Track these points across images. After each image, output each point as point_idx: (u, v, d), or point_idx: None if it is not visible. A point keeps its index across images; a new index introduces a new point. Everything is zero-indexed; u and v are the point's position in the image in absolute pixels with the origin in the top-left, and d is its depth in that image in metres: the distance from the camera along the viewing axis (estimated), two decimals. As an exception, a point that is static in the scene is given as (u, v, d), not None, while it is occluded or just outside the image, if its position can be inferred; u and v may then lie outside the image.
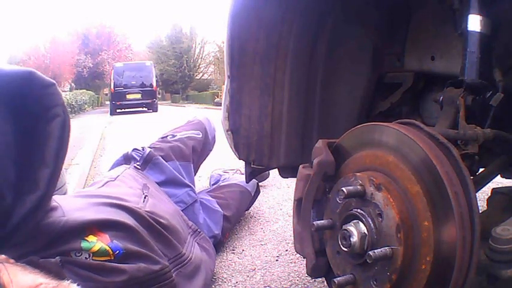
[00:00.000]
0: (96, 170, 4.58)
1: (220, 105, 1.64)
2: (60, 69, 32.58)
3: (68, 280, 0.99)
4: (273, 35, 1.47)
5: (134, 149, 2.04)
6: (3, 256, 0.93)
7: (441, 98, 1.22)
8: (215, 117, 1.66)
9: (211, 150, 2.49)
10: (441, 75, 1.43)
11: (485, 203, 1.27)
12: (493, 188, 1.27)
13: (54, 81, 1.15)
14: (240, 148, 1.57)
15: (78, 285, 0.98)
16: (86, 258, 1.17)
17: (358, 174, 1.01)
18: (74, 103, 19.92)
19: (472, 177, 1.22)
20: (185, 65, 37.57)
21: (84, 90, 27.18)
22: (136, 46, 45.26)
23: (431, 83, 1.54)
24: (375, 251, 0.91)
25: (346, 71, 1.59)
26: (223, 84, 1.67)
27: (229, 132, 1.55)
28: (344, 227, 1.00)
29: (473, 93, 1.17)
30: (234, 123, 1.53)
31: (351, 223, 0.99)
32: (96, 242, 1.20)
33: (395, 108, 1.63)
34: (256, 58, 1.48)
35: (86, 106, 24.65)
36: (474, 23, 1.15)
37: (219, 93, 23.22)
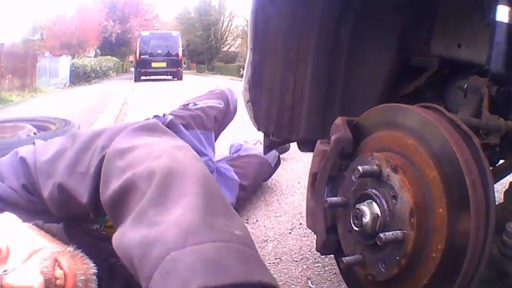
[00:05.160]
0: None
1: (246, 78, 1.62)
2: (85, 35, 32.35)
3: (71, 246, 0.98)
4: (299, 11, 1.43)
5: (155, 116, 2.04)
6: None
7: (466, 85, 1.20)
8: (239, 89, 1.66)
9: (231, 119, 2.50)
10: (467, 63, 1.39)
11: (503, 196, 1.25)
12: None
13: None
14: (260, 119, 1.55)
15: (82, 251, 0.97)
16: (96, 228, 1.16)
17: (375, 154, 0.99)
18: (98, 69, 20.09)
19: (491, 168, 1.20)
20: (212, 36, 37.38)
21: (109, 57, 27.21)
22: (164, 17, 45.02)
23: (457, 70, 1.50)
24: (386, 233, 0.90)
25: (370, 53, 1.56)
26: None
27: (249, 104, 1.54)
28: (357, 206, 0.99)
29: (498, 84, 1.14)
30: (254, 95, 1.52)
31: (365, 203, 0.98)
32: None
33: (418, 93, 1.59)
34: (280, 33, 1.45)
35: (111, 72, 24.78)
36: (502, 13, 1.12)
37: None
